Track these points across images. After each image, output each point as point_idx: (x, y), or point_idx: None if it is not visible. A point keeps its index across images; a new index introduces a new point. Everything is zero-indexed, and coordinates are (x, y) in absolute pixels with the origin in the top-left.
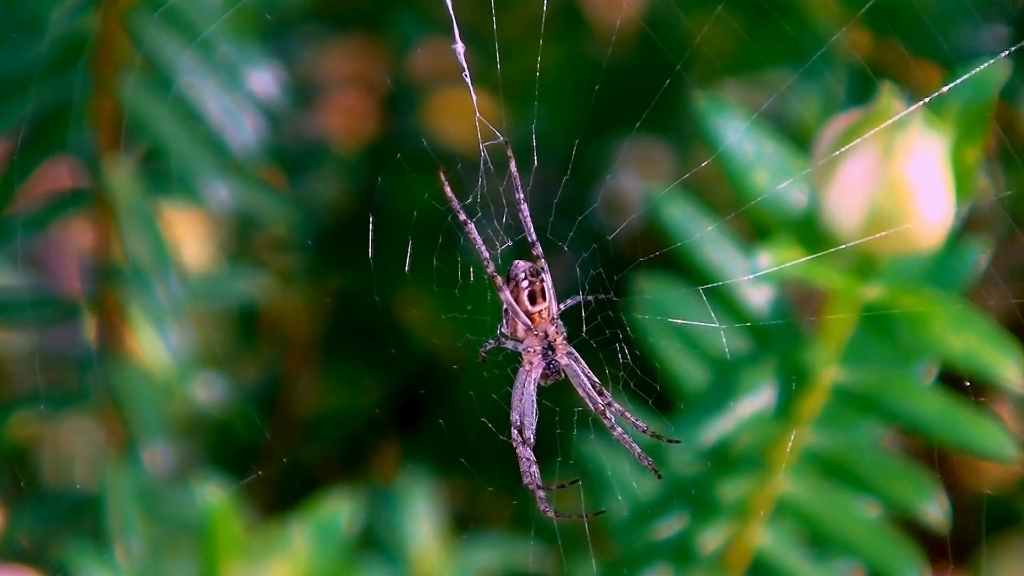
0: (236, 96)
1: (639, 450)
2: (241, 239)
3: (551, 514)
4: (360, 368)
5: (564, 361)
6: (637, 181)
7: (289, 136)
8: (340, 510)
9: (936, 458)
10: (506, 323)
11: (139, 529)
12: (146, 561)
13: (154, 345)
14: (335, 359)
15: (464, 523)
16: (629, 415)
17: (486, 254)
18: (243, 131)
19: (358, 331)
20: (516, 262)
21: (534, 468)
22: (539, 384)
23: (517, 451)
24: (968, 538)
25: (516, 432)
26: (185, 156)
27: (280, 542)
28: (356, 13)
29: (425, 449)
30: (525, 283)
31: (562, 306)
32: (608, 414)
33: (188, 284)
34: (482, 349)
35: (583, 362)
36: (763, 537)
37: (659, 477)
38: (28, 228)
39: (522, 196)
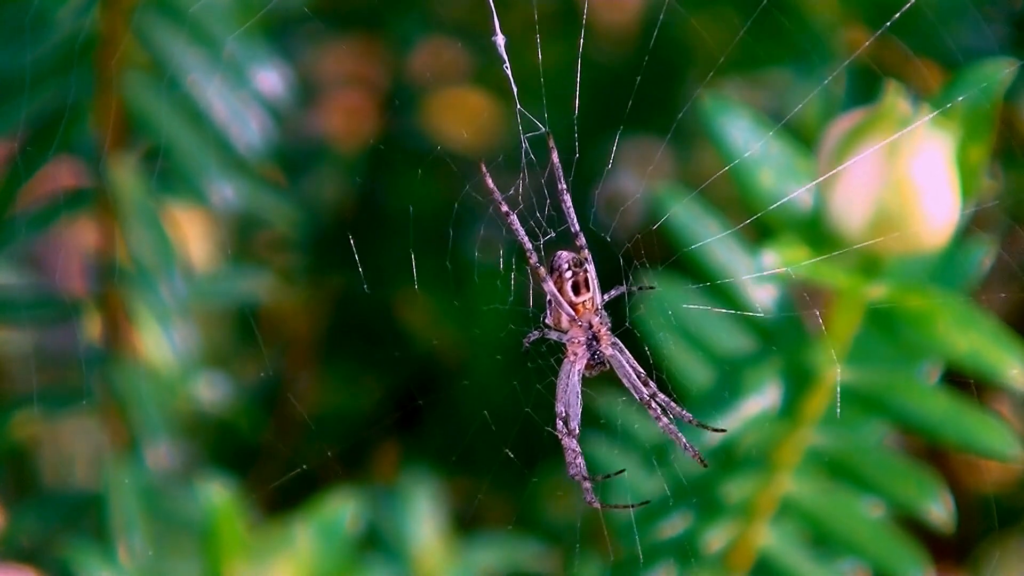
0: (241, 95)
1: (685, 440)
2: (243, 238)
3: (597, 505)
4: (361, 368)
5: (609, 352)
6: (639, 182)
7: (290, 135)
8: (343, 509)
9: (939, 457)
10: (550, 314)
11: (142, 528)
12: (149, 560)
13: (158, 344)
14: (336, 358)
15: (466, 522)
16: (674, 405)
17: (529, 245)
18: (248, 130)
19: (359, 330)
20: (559, 252)
21: (580, 459)
22: (584, 375)
23: (563, 442)
24: (971, 538)
25: (561, 423)
26: (190, 155)
27: (283, 541)
28: (356, 13)
29: (428, 449)
30: (569, 273)
31: (606, 296)
32: (654, 404)
33: (191, 283)
34: (526, 340)
35: (628, 352)
36: (767, 536)
37: (706, 466)
38: (32, 227)
39: (564, 186)
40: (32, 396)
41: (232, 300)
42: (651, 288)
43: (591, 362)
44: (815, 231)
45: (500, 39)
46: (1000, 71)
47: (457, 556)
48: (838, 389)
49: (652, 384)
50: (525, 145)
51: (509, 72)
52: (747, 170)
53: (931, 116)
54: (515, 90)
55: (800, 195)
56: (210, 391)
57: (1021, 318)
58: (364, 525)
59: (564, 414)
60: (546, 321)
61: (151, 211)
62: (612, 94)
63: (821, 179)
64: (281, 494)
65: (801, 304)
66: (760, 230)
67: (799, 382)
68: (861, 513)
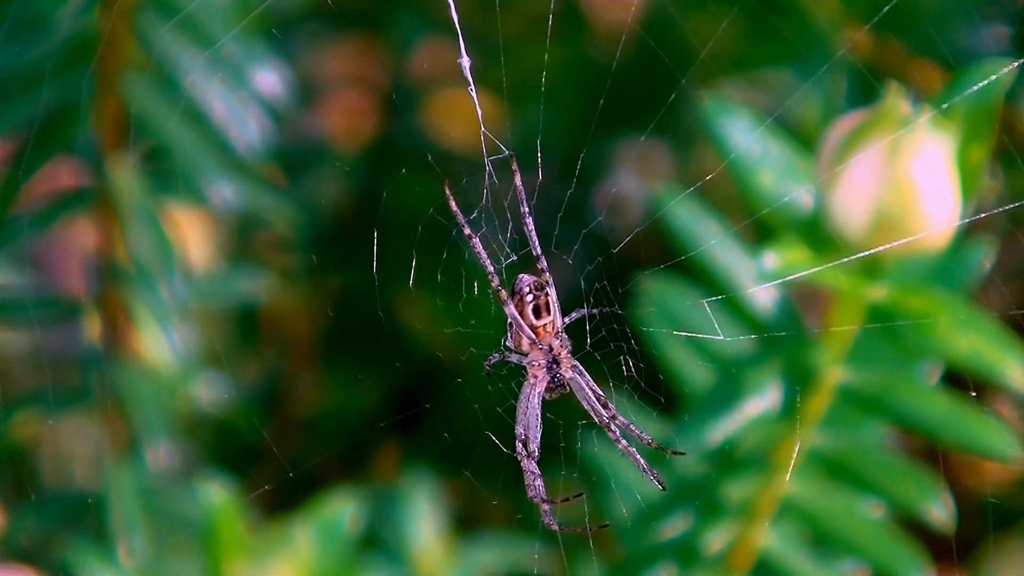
0: (241, 95)
1: (644, 463)
2: (242, 239)
3: (555, 527)
4: (360, 369)
5: (569, 374)
6: (641, 183)
7: (290, 136)
8: (343, 510)
9: (940, 458)
10: (511, 336)
11: (142, 528)
12: (149, 561)
13: (158, 344)
14: (335, 359)
15: (466, 523)
16: (634, 427)
17: (491, 268)
18: (248, 131)
19: (359, 333)
20: (521, 276)
21: (539, 481)
22: (544, 398)
23: (522, 464)
24: (971, 538)
25: (521, 445)
26: (190, 155)
27: (283, 542)
28: (356, 13)
29: (427, 453)
30: (530, 297)
31: (567, 319)
32: (613, 427)
33: (191, 283)
34: (487, 363)
35: (588, 375)
36: (768, 537)
37: (664, 489)
38: (32, 227)
39: (527, 210)
40: (32, 396)
41: (232, 300)
42: (611, 310)
43: (551, 385)
44: (815, 232)
45: (466, 61)
46: (1000, 71)
47: (457, 556)
48: (838, 390)
49: (612, 407)
50: (489, 168)
51: (475, 95)
52: (747, 171)
53: (931, 117)
54: (480, 112)
55: (800, 196)
56: (209, 391)
57: (1022, 319)
58: (364, 525)
59: (524, 436)
60: (507, 344)
61: (150, 211)
62: (611, 94)
63: (822, 180)
64: (281, 494)
65: (801, 305)
66: (760, 231)
67: (799, 383)
68: (861, 514)
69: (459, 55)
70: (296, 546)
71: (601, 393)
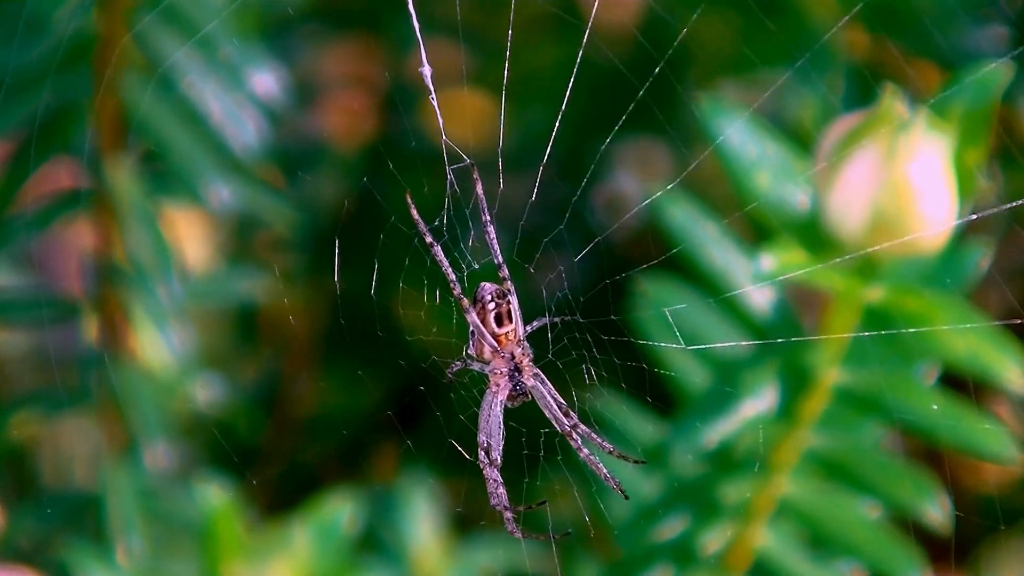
0: (238, 96)
1: (605, 471)
2: (241, 239)
3: (519, 535)
4: (359, 369)
5: (531, 383)
6: (635, 182)
7: (289, 136)
8: (341, 510)
9: (936, 459)
10: (473, 345)
11: (140, 529)
12: (147, 561)
13: (155, 345)
14: (335, 359)
15: (464, 523)
16: (595, 436)
17: (452, 276)
18: (245, 131)
19: (356, 332)
20: (483, 284)
21: (501, 490)
22: (506, 405)
23: (484, 472)
24: (969, 539)
25: (483, 454)
26: (187, 156)
27: (281, 542)
28: (356, 13)
29: (425, 452)
30: (492, 305)
31: (528, 328)
32: (575, 435)
33: (189, 284)
34: (449, 371)
35: (549, 384)
36: (765, 538)
37: (627, 498)
38: (30, 228)
39: (488, 218)
40: (30, 397)
41: (230, 301)
42: (572, 318)
43: (513, 392)
44: (812, 233)
45: (427, 70)
46: (997, 72)
47: (455, 557)
48: (834, 391)
49: (574, 415)
50: (450, 177)
51: (435, 103)
52: (744, 171)
53: (928, 118)
54: (441, 121)
55: (797, 197)
56: (208, 392)
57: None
58: (362, 526)
59: (486, 444)
60: (469, 352)
61: (148, 212)
62: (610, 94)
63: (818, 181)
64: (279, 494)
65: (798, 305)
66: (757, 232)
67: (796, 384)
68: (858, 514)
69: (421, 64)
70: (294, 546)
71: (563, 401)
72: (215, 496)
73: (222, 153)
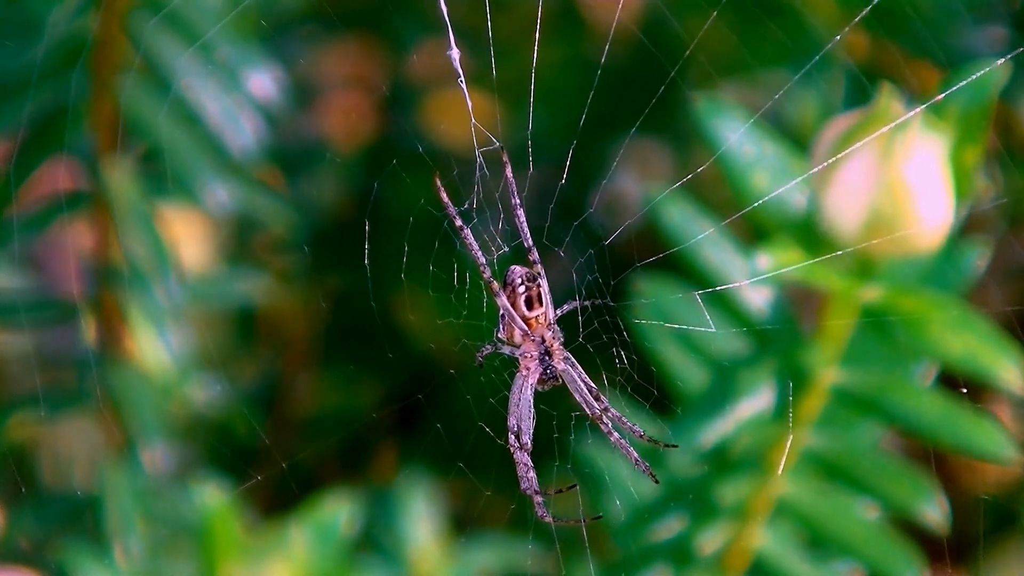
0: (235, 97)
1: (636, 455)
2: (240, 240)
3: (549, 519)
4: (358, 369)
5: (561, 366)
6: (636, 182)
7: (288, 137)
8: (339, 511)
9: (934, 459)
10: (503, 328)
11: (138, 530)
12: (145, 562)
13: (153, 346)
14: (334, 359)
15: (463, 524)
16: (626, 420)
17: (482, 259)
18: (242, 133)
19: (355, 332)
20: (513, 267)
21: (531, 473)
22: (537, 389)
23: (514, 456)
24: (967, 539)
25: (513, 437)
26: (184, 157)
27: (279, 543)
28: (355, 13)
29: (423, 451)
30: (522, 288)
31: (559, 311)
32: (605, 419)
33: (187, 285)
34: (479, 354)
35: (580, 367)
36: (763, 538)
37: (657, 482)
38: (27, 229)
39: (518, 201)
40: (29, 398)
41: (229, 302)
42: (603, 303)
43: (543, 376)
44: (809, 233)
45: (455, 53)
46: (995, 72)
47: (454, 557)
48: (832, 391)
49: (604, 399)
50: (480, 159)
51: (464, 87)
52: (741, 171)
53: (925, 118)
54: (470, 104)
55: (794, 197)
56: (206, 393)
57: (1017, 320)
58: (360, 526)
59: (516, 428)
60: (499, 336)
61: (146, 213)
62: (610, 95)
63: (816, 181)
64: (277, 495)
65: (796, 306)
66: (754, 232)
67: (794, 384)
68: (856, 515)
69: (448, 47)
70: (292, 547)
71: (593, 385)
72: (213, 497)
73: (220, 154)
